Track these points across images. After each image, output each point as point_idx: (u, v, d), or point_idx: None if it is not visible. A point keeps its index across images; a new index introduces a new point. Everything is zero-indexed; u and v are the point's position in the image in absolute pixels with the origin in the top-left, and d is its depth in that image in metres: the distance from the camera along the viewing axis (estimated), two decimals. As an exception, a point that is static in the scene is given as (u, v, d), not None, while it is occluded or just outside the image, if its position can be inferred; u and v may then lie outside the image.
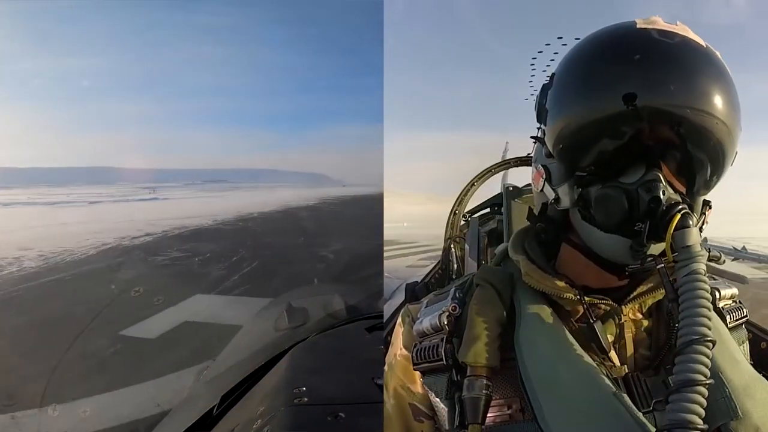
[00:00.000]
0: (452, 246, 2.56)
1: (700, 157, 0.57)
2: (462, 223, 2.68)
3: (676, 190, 0.58)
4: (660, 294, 0.63)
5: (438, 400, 0.66)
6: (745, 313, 0.71)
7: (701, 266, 0.52)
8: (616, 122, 0.56)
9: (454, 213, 2.67)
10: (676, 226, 0.54)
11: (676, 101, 0.54)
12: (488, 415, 0.59)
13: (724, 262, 0.63)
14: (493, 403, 0.59)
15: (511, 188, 2.12)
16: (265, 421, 0.86)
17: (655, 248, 0.57)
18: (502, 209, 2.18)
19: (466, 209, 2.71)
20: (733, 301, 0.71)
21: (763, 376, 0.59)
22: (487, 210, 2.65)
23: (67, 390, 3.55)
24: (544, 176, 0.65)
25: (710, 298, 0.51)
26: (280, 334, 1.54)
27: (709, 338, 0.48)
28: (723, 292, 0.70)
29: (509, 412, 0.60)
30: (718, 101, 0.55)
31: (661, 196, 0.55)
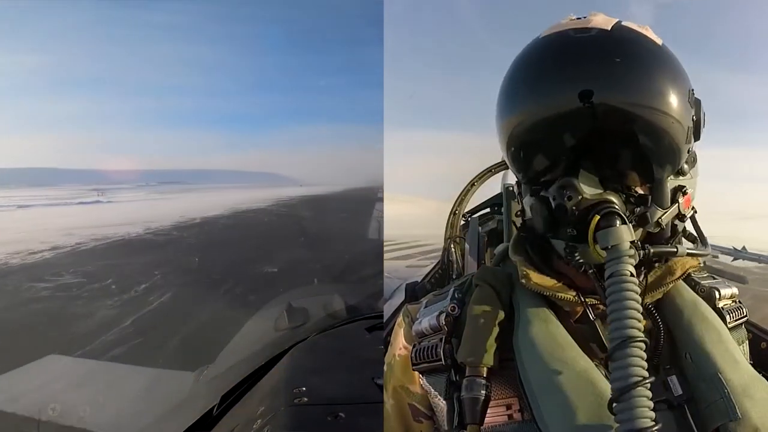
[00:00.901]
0: (452, 246, 2.56)
1: (631, 146, 0.56)
2: (462, 223, 2.68)
3: (624, 188, 0.58)
4: (659, 293, 0.63)
5: (437, 400, 0.66)
6: (744, 313, 0.70)
7: (626, 266, 0.52)
8: (534, 134, 0.58)
9: (454, 213, 2.67)
10: (599, 226, 0.54)
11: (598, 96, 0.53)
12: (487, 415, 0.59)
13: (710, 256, 0.63)
14: (492, 403, 0.59)
15: (511, 188, 2.12)
16: (265, 421, 0.86)
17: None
18: (502, 209, 2.18)
19: (466, 209, 2.71)
20: (733, 301, 0.71)
21: (763, 376, 0.59)
22: (487, 210, 2.64)
23: None
24: (517, 191, 0.68)
25: (638, 298, 0.50)
26: (280, 334, 1.54)
27: (639, 338, 0.48)
28: (723, 292, 0.69)
29: (508, 412, 0.60)
30: (633, 81, 0.54)
31: (566, 203, 0.56)
